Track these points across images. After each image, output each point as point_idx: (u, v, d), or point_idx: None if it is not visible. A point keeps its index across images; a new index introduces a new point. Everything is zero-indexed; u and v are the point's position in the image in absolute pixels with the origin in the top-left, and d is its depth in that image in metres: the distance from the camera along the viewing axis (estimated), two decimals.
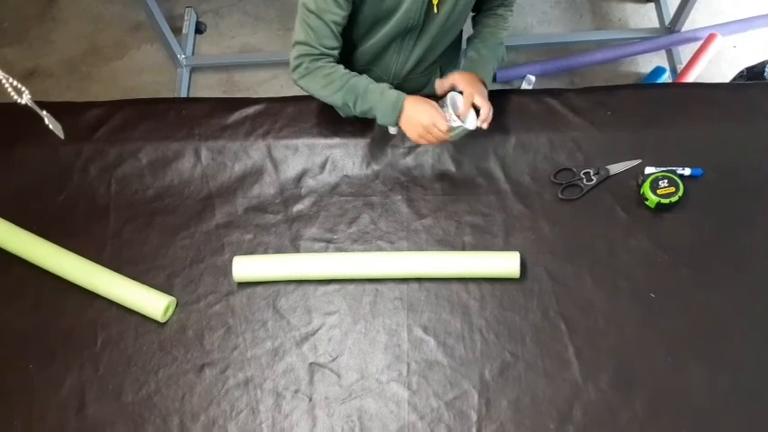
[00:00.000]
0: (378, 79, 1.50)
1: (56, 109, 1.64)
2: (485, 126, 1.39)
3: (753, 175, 1.50)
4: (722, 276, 1.40)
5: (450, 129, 1.35)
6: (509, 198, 1.50)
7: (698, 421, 1.26)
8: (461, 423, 1.29)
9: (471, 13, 1.52)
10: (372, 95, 1.37)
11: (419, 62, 1.49)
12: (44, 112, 1.13)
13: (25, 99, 1.07)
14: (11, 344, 1.41)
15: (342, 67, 1.39)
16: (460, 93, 1.39)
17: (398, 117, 1.37)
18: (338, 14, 1.31)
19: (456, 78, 1.40)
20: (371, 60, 1.49)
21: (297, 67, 1.38)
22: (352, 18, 1.37)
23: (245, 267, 1.42)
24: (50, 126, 1.15)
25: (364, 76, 1.40)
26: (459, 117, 1.36)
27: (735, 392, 1.28)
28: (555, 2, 2.78)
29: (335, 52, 1.38)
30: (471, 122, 1.39)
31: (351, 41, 1.46)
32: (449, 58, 1.62)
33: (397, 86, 1.37)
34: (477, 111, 1.39)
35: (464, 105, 1.37)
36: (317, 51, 1.35)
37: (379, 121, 1.39)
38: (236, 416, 1.31)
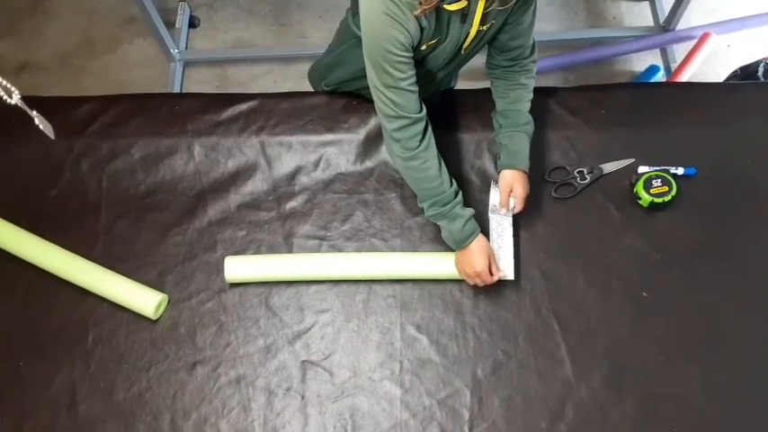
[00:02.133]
0: None
1: (47, 104, 1.63)
2: (503, 211, 1.42)
3: (746, 174, 1.50)
4: (715, 276, 1.40)
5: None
6: None
7: (689, 421, 1.27)
8: (453, 421, 1.29)
9: (490, 70, 1.48)
10: (451, 222, 1.34)
11: (434, 84, 1.47)
12: (34, 112, 1.11)
13: (15, 99, 1.06)
14: (1, 340, 1.39)
15: (434, 156, 1.32)
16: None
17: (462, 249, 1.35)
18: (412, 75, 1.25)
19: (508, 182, 1.40)
20: None
21: (395, 139, 1.30)
22: None
23: (237, 268, 1.42)
24: (41, 126, 1.14)
25: (454, 188, 1.34)
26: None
27: (727, 392, 1.29)
28: None
29: (425, 118, 1.30)
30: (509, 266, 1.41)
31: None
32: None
33: None
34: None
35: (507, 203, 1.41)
36: (410, 120, 1.28)
37: (444, 237, 1.37)
38: (227, 414, 1.31)
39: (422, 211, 1.37)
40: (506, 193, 1.40)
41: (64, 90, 2.63)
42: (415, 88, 1.27)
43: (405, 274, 1.42)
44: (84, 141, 1.58)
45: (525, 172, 1.41)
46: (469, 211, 1.35)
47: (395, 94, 1.25)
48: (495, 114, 1.47)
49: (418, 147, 1.30)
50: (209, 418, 1.31)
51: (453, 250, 1.38)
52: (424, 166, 1.31)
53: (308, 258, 1.45)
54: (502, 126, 1.44)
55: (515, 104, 1.43)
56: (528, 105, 1.45)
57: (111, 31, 2.80)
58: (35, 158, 1.56)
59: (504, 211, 1.41)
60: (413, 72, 1.25)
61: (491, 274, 1.34)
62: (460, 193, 1.36)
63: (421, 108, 1.29)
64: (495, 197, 1.44)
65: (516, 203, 1.40)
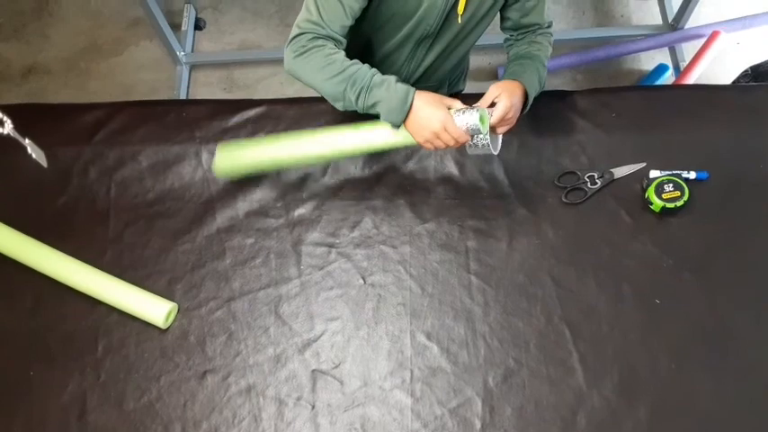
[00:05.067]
0: None
1: (54, 111, 1.66)
2: (499, 129, 1.28)
3: (759, 178, 1.48)
4: (728, 281, 1.39)
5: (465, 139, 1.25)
6: (512, 202, 1.49)
7: (703, 429, 1.26)
8: (465, 431, 1.28)
9: (507, 45, 1.46)
10: (378, 89, 1.21)
11: (430, 71, 1.46)
12: (27, 141, 1.11)
13: (7, 129, 1.06)
14: (11, 350, 1.39)
15: (344, 53, 1.26)
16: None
17: (406, 116, 1.22)
18: (357, 2, 1.22)
19: (496, 89, 1.27)
20: (381, 64, 1.45)
21: (295, 40, 1.24)
22: (369, 17, 1.32)
23: (227, 159, 1.44)
24: (34, 155, 1.14)
25: (367, 65, 1.25)
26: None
27: (741, 400, 1.28)
28: None
29: (342, 45, 1.26)
30: (489, 143, 1.26)
31: (362, 42, 1.43)
32: (458, 69, 1.59)
33: None
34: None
35: (493, 118, 1.25)
36: (324, 32, 1.22)
37: (383, 118, 1.24)
38: (238, 423, 1.30)
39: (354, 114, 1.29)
40: (490, 98, 1.26)
41: (71, 93, 2.63)
42: (349, 21, 1.23)
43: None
44: (92, 149, 1.58)
45: (525, 95, 1.29)
46: (393, 76, 1.24)
47: (326, 4, 1.21)
48: (508, 62, 1.40)
49: (319, 45, 1.22)
50: (219, 428, 1.30)
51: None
52: (331, 53, 1.22)
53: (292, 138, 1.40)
54: (512, 62, 1.36)
55: (530, 51, 1.38)
56: (545, 58, 1.38)
57: (116, 34, 2.81)
58: (43, 167, 1.55)
59: (475, 117, 1.21)
60: (361, 6, 1.22)
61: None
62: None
63: (340, 37, 1.25)
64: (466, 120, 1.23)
65: (494, 115, 1.25)
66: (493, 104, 1.28)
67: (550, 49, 1.42)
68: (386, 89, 1.22)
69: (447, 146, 1.24)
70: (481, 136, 1.25)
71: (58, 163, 1.56)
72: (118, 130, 1.60)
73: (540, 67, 1.36)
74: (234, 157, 1.45)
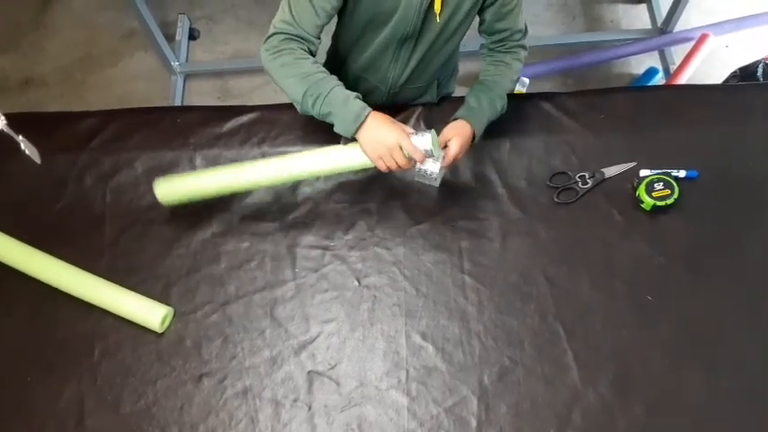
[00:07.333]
0: (374, 88, 1.50)
1: (50, 120, 1.67)
2: (442, 164, 1.36)
3: (748, 176, 1.50)
4: (719, 278, 1.40)
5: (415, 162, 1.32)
6: (505, 202, 1.51)
7: (697, 425, 1.27)
8: (461, 429, 1.28)
9: (482, 55, 1.49)
10: (335, 100, 1.27)
11: (416, 72, 1.48)
12: (20, 137, 1.12)
13: (0, 125, 1.07)
14: (8, 356, 1.39)
15: (314, 59, 1.31)
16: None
17: (357, 130, 1.27)
18: (329, 2, 1.26)
19: (450, 131, 1.35)
20: (367, 68, 1.48)
21: (269, 40, 1.29)
22: (348, 20, 1.35)
23: (169, 188, 1.42)
24: (27, 152, 1.15)
25: (334, 77, 1.30)
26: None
27: (734, 395, 1.29)
28: (547, 4, 2.79)
29: (314, 45, 1.30)
30: (434, 165, 1.38)
31: (346, 47, 1.46)
32: (447, 69, 1.61)
33: (393, 96, 1.34)
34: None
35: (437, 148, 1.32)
36: (295, 32, 1.27)
37: (336, 129, 1.30)
38: (235, 425, 1.31)
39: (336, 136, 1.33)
40: (443, 141, 1.35)
41: (67, 104, 2.65)
42: (321, 20, 1.28)
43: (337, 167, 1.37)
44: (88, 156, 1.59)
45: (473, 135, 1.36)
46: (355, 93, 1.29)
47: (303, 3, 1.24)
48: (473, 85, 1.46)
49: (290, 48, 1.27)
50: (216, 431, 1.30)
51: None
52: (299, 57, 1.27)
53: (236, 168, 1.40)
54: (473, 89, 1.42)
55: (494, 77, 1.43)
56: (507, 84, 1.44)
57: (111, 45, 2.83)
58: (39, 173, 1.56)
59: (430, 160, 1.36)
60: (335, 5, 1.26)
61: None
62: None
63: (312, 38, 1.29)
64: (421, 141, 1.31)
65: (445, 159, 1.35)
66: (445, 145, 1.36)
67: (520, 67, 1.46)
68: (343, 102, 1.27)
69: (399, 166, 1.28)
70: (430, 161, 1.34)
71: (54, 170, 1.57)
72: (113, 137, 1.61)
73: (497, 99, 1.41)
74: (175, 187, 1.44)
